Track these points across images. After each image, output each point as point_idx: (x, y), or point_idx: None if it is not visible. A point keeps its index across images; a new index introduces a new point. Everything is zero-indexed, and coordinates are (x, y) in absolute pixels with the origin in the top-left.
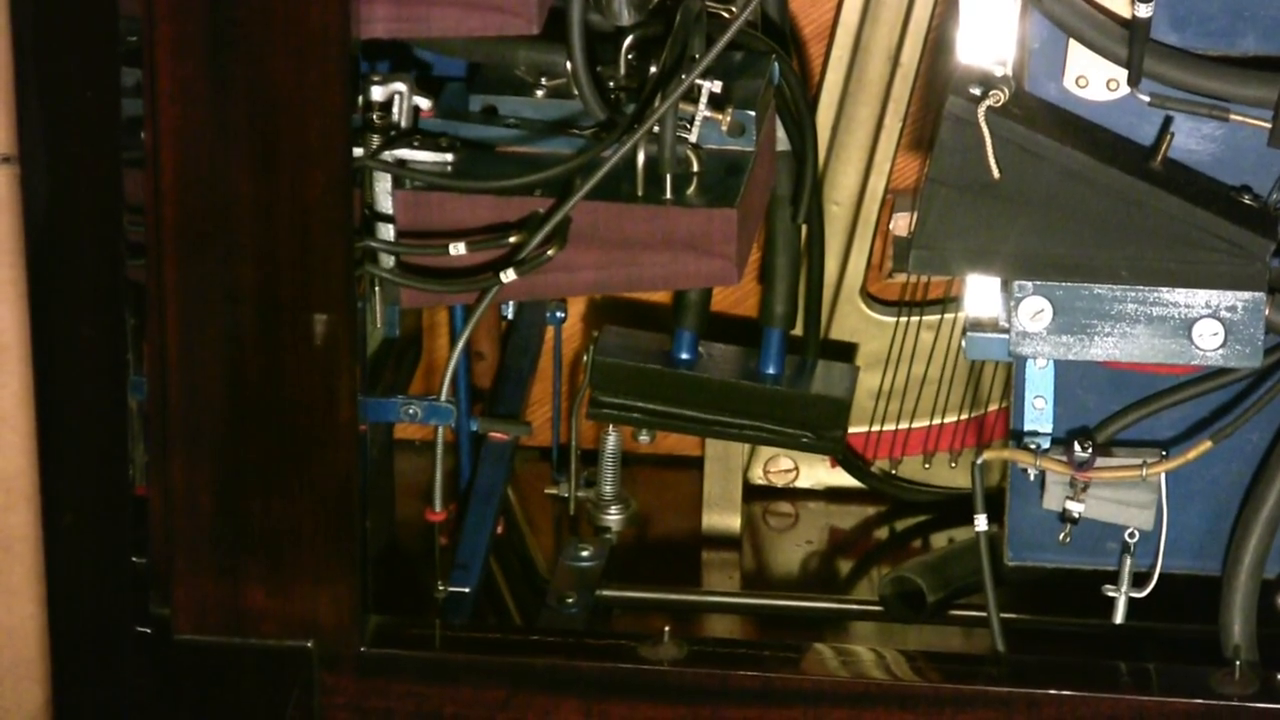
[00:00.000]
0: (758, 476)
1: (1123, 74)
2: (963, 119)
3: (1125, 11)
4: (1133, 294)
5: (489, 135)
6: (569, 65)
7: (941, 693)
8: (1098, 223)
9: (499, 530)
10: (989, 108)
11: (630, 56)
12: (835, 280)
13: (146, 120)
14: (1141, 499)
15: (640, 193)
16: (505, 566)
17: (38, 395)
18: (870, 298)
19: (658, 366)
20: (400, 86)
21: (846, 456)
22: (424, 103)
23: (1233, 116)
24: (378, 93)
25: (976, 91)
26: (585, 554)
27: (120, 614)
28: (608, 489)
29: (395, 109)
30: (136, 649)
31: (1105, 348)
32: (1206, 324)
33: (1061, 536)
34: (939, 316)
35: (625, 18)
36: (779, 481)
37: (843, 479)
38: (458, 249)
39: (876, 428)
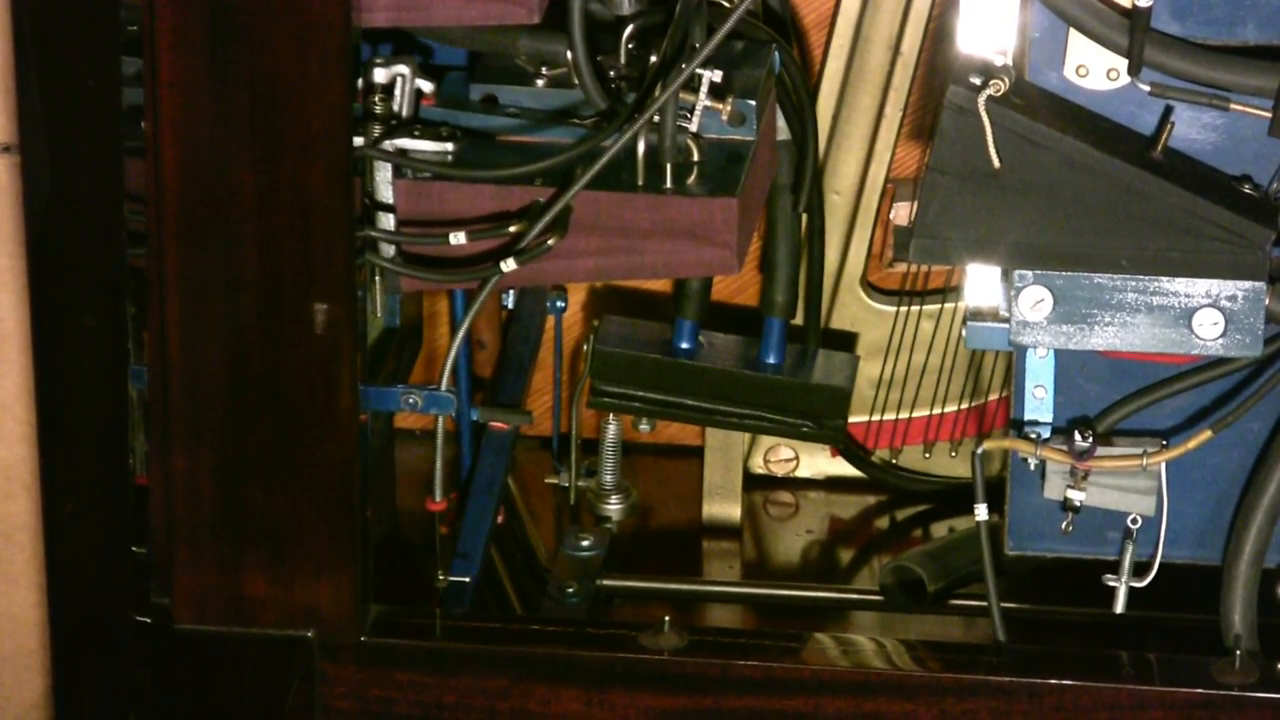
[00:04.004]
0: (758, 466)
1: (1123, 63)
2: (963, 108)
3: (1125, 0)
4: (1133, 283)
5: (490, 124)
6: (570, 54)
7: (942, 682)
8: (1098, 212)
9: (499, 519)
10: (989, 97)
11: (631, 46)
12: (836, 269)
13: (147, 109)
14: (1142, 485)
15: (641, 182)
16: (506, 556)
17: (38, 384)
18: (871, 287)
19: (658, 356)
20: (403, 69)
21: (847, 446)
22: (426, 86)
23: (1233, 106)
24: (380, 75)
25: (977, 81)
26: (586, 543)
27: (121, 603)
28: (608, 478)
29: (397, 92)
30: (137, 638)
31: (1106, 337)
32: (1207, 313)
33: (1064, 525)
34: (939, 306)
35: (626, 7)
36: (779, 471)
37: (843, 468)
38: (458, 238)
39: (877, 417)
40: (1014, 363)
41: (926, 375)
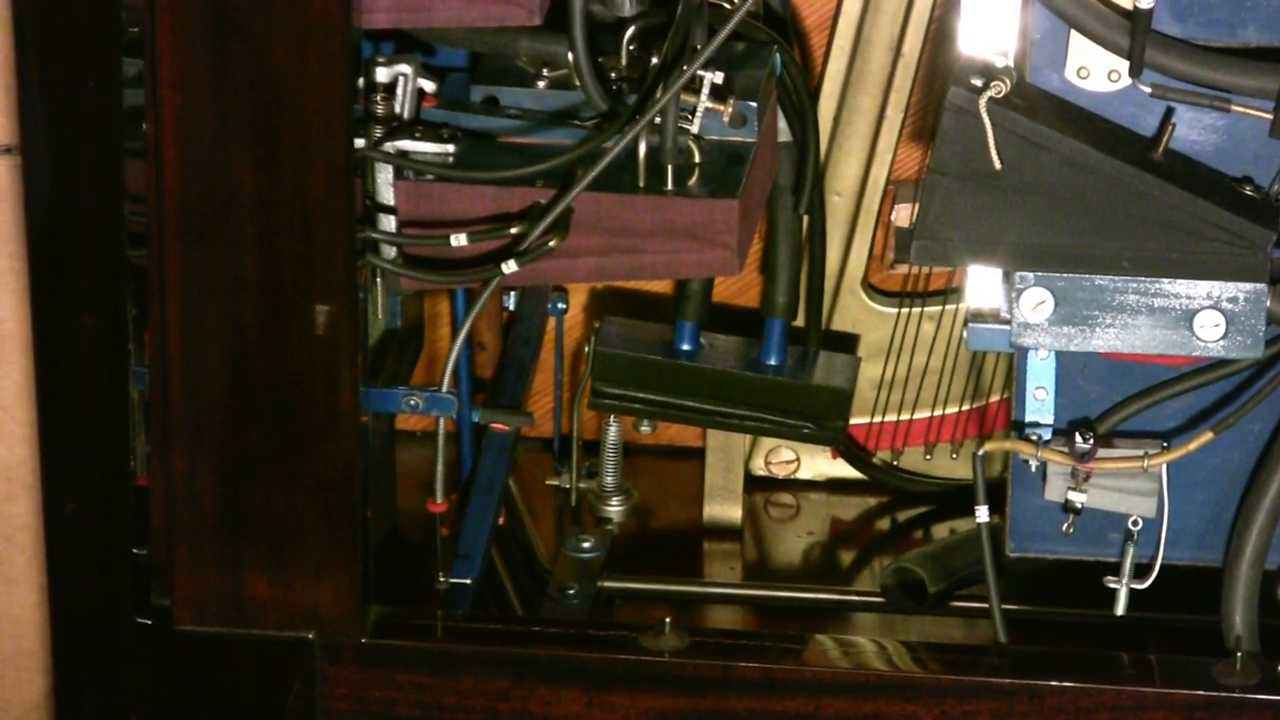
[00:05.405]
0: (759, 467)
1: (1124, 65)
2: (964, 109)
3: (1126, 2)
4: (1134, 285)
5: (490, 126)
6: (570, 56)
7: (943, 684)
8: (1099, 213)
9: (500, 521)
10: (990, 98)
11: (632, 47)
12: (837, 271)
13: (148, 110)
14: (1143, 487)
15: (642, 183)
16: (507, 557)
17: (39, 385)
18: (872, 288)
19: (659, 357)
20: (405, 68)
21: (848, 447)
22: (428, 85)
23: (1234, 107)
24: (382, 74)
25: (978, 82)
26: (587, 544)
27: (121, 604)
28: (609, 480)
29: (399, 91)
30: (138, 639)
31: (1107, 339)
32: (1208, 315)
33: (1065, 527)
34: (940, 307)
35: (627, 8)
36: (780, 472)
37: (844, 470)
38: (459, 240)
39: (878, 419)
40: (1015, 364)
41: (927, 377)
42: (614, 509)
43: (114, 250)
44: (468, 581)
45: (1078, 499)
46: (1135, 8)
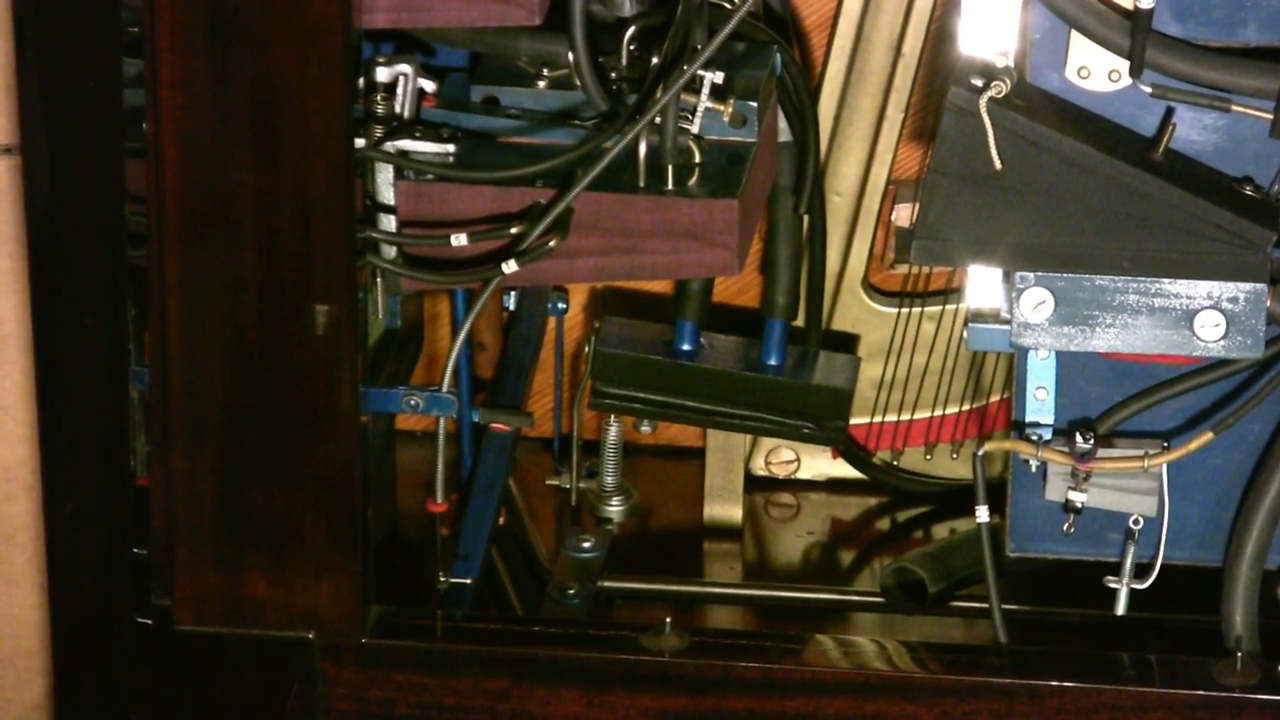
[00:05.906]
0: (759, 467)
1: (1124, 65)
2: (965, 110)
3: (1127, 2)
4: (1134, 285)
5: (491, 126)
6: (571, 56)
7: (943, 684)
8: (1099, 213)
9: (500, 521)
10: (991, 98)
11: (632, 47)
12: (837, 271)
13: (148, 110)
14: (1144, 487)
15: (642, 183)
16: (507, 557)
17: (39, 385)
18: (872, 288)
19: (659, 357)
20: (405, 68)
21: (848, 447)
22: (429, 85)
23: (1234, 107)
24: (382, 74)
25: (978, 82)
26: (587, 544)
27: (122, 604)
28: (609, 480)
29: (399, 91)
30: (138, 639)
31: (1107, 339)
32: (1208, 315)
33: (1065, 527)
34: (940, 307)
35: (627, 8)
36: (780, 472)
37: (844, 470)
38: (459, 239)
39: (878, 419)
40: (1015, 364)
41: (928, 377)
42: (614, 509)
43: (114, 250)
44: (468, 581)
45: (1078, 499)
46: (1135, 8)
